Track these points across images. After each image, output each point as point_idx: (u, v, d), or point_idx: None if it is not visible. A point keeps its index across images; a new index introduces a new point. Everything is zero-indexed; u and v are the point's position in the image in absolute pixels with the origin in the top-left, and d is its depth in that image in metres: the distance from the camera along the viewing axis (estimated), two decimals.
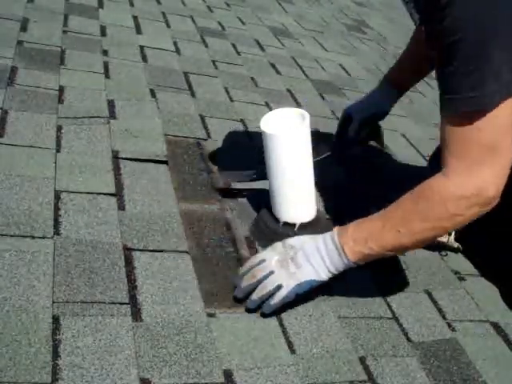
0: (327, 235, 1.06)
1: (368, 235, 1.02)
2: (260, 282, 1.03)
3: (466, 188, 0.96)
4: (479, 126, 0.93)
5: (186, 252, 1.12)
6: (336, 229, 1.07)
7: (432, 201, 0.99)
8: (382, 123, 1.66)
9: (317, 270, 1.04)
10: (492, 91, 0.90)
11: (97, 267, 1.00)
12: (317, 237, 1.07)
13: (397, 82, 1.57)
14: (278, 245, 1.08)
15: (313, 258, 1.04)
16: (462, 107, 0.93)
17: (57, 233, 1.04)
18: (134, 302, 0.96)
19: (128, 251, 1.06)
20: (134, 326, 0.92)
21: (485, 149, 0.94)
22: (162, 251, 1.09)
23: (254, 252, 1.18)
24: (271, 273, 1.03)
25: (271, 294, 1.02)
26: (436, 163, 1.39)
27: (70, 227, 1.07)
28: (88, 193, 1.17)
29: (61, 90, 1.51)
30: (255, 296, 1.02)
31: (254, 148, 1.36)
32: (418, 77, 1.62)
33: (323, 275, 1.04)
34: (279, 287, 1.02)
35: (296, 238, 1.09)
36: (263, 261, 1.05)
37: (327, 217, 1.31)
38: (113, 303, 0.94)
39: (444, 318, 1.18)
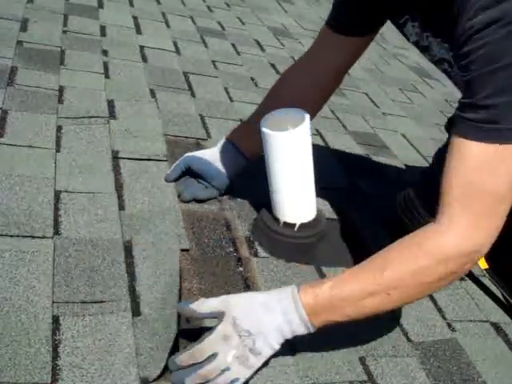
0: (291, 307, 0.86)
1: (348, 304, 0.87)
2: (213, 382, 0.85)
3: (469, 244, 0.86)
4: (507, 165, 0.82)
5: (186, 251, 1.12)
6: (302, 295, 0.87)
7: (434, 259, 0.86)
8: (381, 123, 1.65)
9: (275, 349, 0.88)
10: None
11: (97, 265, 1.00)
12: (274, 309, 0.87)
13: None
14: (232, 335, 0.85)
15: (274, 340, 0.87)
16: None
17: (56, 232, 1.04)
18: (133, 297, 0.96)
19: (128, 251, 1.06)
20: (134, 322, 0.91)
21: (498, 198, 0.84)
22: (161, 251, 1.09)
23: (254, 252, 1.18)
24: (226, 369, 0.85)
25: None
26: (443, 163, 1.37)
27: (69, 226, 1.07)
28: (88, 192, 1.17)
29: (61, 90, 1.51)
30: None
31: None
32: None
33: (278, 347, 0.89)
34: (234, 381, 0.85)
35: (248, 313, 0.86)
36: (215, 355, 0.84)
37: (327, 217, 1.31)
38: (113, 301, 0.94)
39: (444, 318, 1.18)
